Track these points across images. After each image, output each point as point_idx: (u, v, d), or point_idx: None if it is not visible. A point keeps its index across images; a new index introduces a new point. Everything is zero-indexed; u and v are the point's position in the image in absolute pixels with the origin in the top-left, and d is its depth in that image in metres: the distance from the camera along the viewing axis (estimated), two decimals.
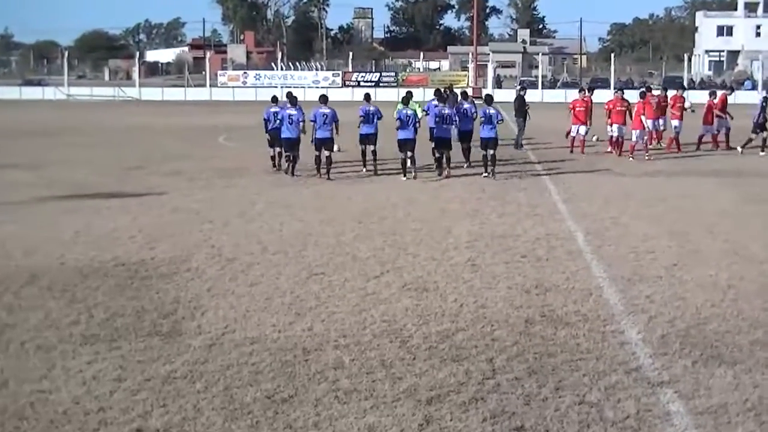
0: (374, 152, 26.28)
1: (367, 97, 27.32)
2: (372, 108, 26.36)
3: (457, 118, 26.11)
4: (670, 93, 35.13)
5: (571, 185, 23.76)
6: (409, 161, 25.33)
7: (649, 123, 30.61)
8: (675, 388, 8.99)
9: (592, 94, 33.53)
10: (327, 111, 25.35)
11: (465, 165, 27.22)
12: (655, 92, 34.19)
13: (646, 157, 29.45)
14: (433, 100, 28.33)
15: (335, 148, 25.96)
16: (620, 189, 23.14)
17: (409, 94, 27.16)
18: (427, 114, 27.40)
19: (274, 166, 27.05)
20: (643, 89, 34.81)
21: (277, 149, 26.83)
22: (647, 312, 11.70)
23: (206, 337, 10.63)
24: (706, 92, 38.96)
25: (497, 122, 25.66)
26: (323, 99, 26.32)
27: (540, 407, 8.53)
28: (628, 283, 13.23)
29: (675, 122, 33.07)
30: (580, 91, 34.96)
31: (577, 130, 31.97)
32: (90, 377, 9.24)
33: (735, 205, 20.73)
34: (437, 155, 25.86)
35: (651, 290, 12.77)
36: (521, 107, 33.81)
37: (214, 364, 9.65)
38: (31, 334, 10.69)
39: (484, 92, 36.56)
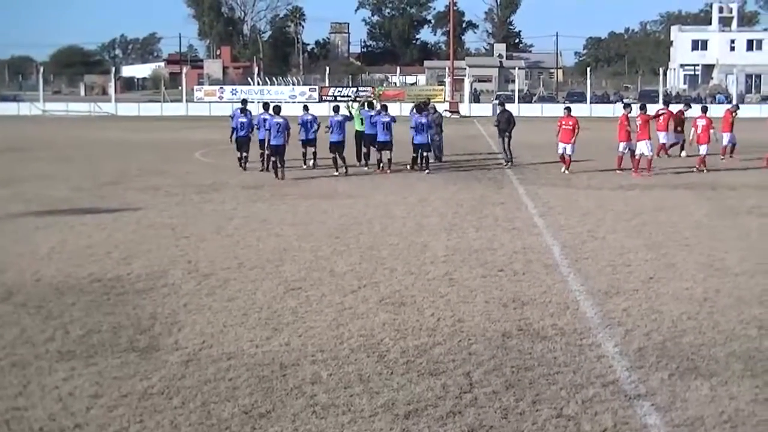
0: (314, 153, 31.51)
1: (306, 107, 31.84)
2: (310, 116, 30.59)
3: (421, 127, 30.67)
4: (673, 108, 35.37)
5: (548, 199, 23.83)
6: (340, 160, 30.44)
7: (661, 136, 30.88)
8: (652, 401, 9.02)
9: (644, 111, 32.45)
10: (281, 120, 29.00)
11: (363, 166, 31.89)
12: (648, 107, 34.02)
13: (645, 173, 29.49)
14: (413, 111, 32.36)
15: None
16: (597, 202, 23.22)
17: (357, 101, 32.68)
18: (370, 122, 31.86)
19: (264, 167, 30.64)
20: (643, 103, 34.94)
21: (260, 152, 31.00)
22: (624, 325, 11.74)
23: (183, 352, 10.59)
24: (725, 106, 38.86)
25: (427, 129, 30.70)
26: (277, 109, 30.08)
27: (517, 421, 8.54)
28: (605, 296, 13.28)
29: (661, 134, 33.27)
30: (565, 109, 33.32)
31: (564, 149, 30.52)
32: (66, 394, 9.20)
33: (710, 218, 20.83)
34: (414, 155, 31.12)
35: (627, 303, 12.81)
36: (509, 122, 33.59)
37: (191, 380, 9.62)
38: (6, 351, 10.63)
39: (429, 103, 37.03)
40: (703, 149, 31.60)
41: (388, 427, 8.40)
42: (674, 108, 37.13)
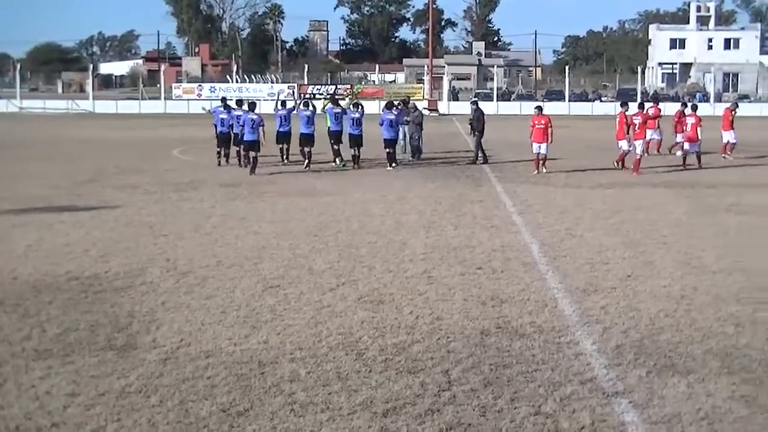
0: (287, 149, 32.08)
1: (251, 105, 31.06)
2: (256, 117, 29.98)
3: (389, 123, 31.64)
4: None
5: (527, 197, 23.88)
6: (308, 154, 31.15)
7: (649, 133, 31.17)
8: (629, 398, 9.05)
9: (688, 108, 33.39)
10: (255, 117, 29.67)
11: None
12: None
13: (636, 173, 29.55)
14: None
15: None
16: (575, 200, 23.28)
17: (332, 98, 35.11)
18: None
19: (219, 163, 32.14)
20: (642, 102, 35.08)
21: (236, 149, 31.99)
22: (602, 323, 11.77)
23: (161, 350, 10.56)
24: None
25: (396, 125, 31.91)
26: (252, 106, 30.73)
27: (496, 418, 8.55)
28: (583, 294, 13.31)
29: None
30: (536, 108, 31.88)
31: (539, 148, 29.73)
32: (43, 392, 9.15)
33: (689, 216, 20.91)
34: (388, 151, 31.71)
35: (605, 301, 12.84)
36: (480, 121, 33.80)
37: (169, 378, 9.59)
38: None
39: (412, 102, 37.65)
40: (689, 146, 31.97)
41: (366, 425, 8.39)
42: (670, 107, 37.05)
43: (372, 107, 35.55)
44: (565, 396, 9.08)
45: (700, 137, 32.15)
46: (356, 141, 31.48)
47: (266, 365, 10.03)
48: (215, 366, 9.98)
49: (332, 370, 9.87)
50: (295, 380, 9.54)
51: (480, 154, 33.50)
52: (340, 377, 9.65)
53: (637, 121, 30.48)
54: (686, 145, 32.13)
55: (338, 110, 32.53)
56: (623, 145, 30.66)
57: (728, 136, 35.31)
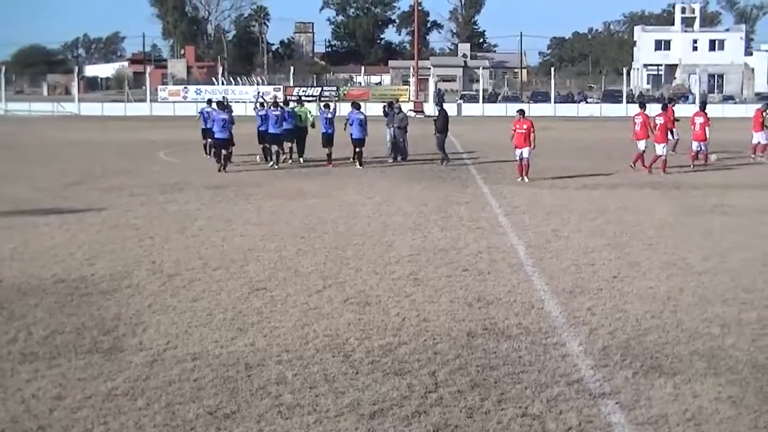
0: (228, 155, 31.98)
1: (219, 104, 33.06)
2: (226, 116, 31.62)
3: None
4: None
5: (513, 198, 23.90)
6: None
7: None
8: (616, 400, 9.07)
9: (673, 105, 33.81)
10: (225, 116, 31.30)
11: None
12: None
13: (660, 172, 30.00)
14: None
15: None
16: (561, 202, 23.31)
17: (300, 101, 37.14)
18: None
19: (207, 153, 34.19)
20: (665, 102, 35.15)
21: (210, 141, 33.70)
22: (588, 324, 11.79)
23: (147, 353, 10.54)
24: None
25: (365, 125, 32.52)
26: (221, 105, 32.77)
27: (483, 420, 8.55)
28: (570, 295, 13.33)
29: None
30: (518, 112, 30.07)
31: (521, 153, 28.13)
32: (29, 395, 9.13)
33: (674, 217, 20.96)
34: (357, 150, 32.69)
35: (592, 302, 12.87)
36: (443, 121, 34.29)
37: (156, 381, 9.58)
38: None
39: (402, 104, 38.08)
40: (695, 146, 32.50)
41: (353, 427, 8.39)
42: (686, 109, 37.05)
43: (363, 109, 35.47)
44: (552, 397, 9.10)
45: (708, 137, 32.67)
46: (329, 140, 32.89)
47: (253, 367, 10.02)
48: (202, 368, 9.97)
49: (319, 372, 9.87)
50: (282, 382, 9.53)
51: (443, 154, 33.85)
52: (327, 379, 9.65)
53: (660, 121, 30.79)
54: (694, 145, 32.52)
55: (288, 109, 33.95)
56: (641, 145, 30.99)
57: (759, 137, 35.31)
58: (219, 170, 30.23)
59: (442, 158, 33.54)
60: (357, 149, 32.56)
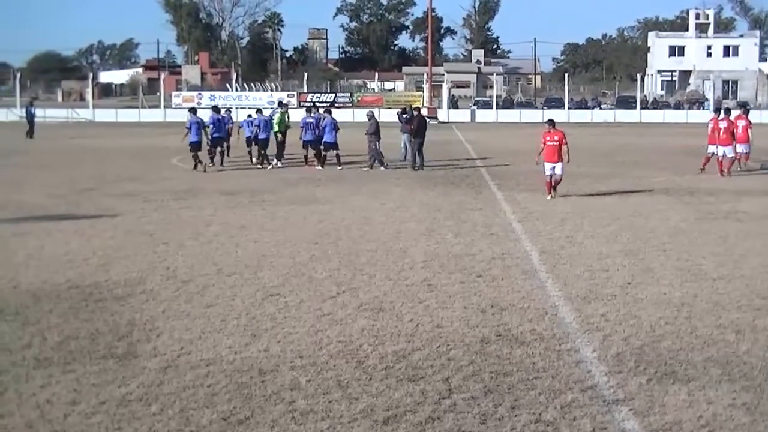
0: (222, 151, 35.49)
1: (193, 110, 36.54)
2: (223, 117, 36.18)
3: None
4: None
5: (527, 205, 23.88)
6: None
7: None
8: (630, 406, 9.04)
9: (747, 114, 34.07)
10: (198, 120, 34.38)
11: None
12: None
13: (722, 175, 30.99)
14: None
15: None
16: (575, 208, 23.27)
17: (283, 105, 39.40)
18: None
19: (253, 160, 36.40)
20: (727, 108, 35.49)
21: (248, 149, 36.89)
22: (602, 330, 11.76)
23: (162, 359, 10.55)
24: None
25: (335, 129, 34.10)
26: (194, 111, 36.02)
27: (496, 426, 8.54)
28: (583, 301, 13.30)
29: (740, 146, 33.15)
30: (548, 123, 26.94)
31: (553, 169, 25.30)
32: (44, 401, 9.15)
33: (688, 223, 20.90)
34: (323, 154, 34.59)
35: (606, 309, 12.84)
36: (422, 128, 34.52)
37: (170, 387, 9.58)
38: None
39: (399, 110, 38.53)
40: (740, 148, 32.74)
41: None
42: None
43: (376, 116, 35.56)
44: (565, 404, 9.08)
45: (751, 138, 33.00)
46: (310, 144, 35.01)
47: (267, 373, 10.02)
48: (216, 374, 9.98)
49: (333, 378, 9.86)
50: (295, 388, 9.53)
51: (418, 159, 34.06)
52: (340, 385, 9.64)
53: (741, 123, 31.27)
54: (739, 147, 32.66)
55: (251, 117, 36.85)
56: (712, 149, 31.81)
57: None
58: (194, 169, 33.27)
59: (413, 163, 34.01)
60: (313, 151, 34.95)
